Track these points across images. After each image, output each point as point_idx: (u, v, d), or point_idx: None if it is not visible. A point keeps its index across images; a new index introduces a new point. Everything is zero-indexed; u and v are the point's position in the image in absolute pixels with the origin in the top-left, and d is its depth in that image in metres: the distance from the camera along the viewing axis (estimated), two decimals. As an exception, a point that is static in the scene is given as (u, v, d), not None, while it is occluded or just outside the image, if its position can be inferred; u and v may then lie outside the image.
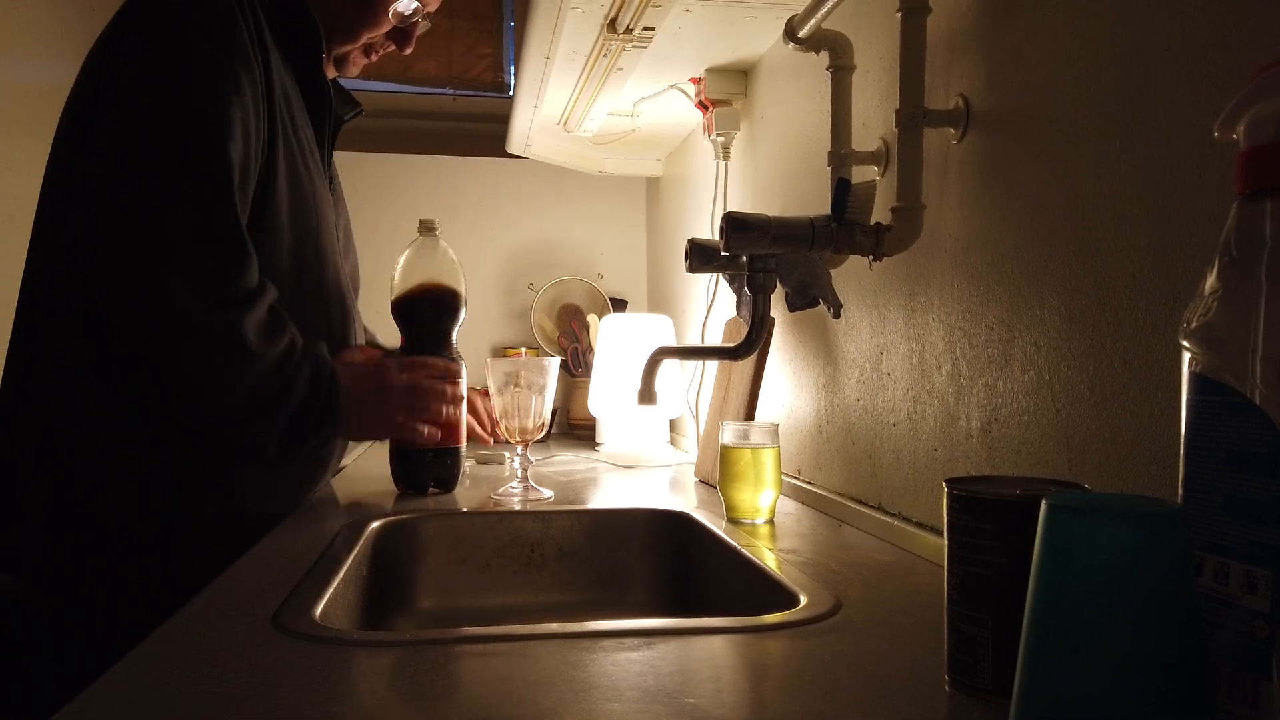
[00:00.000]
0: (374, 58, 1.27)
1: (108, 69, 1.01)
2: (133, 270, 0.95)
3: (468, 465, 1.68)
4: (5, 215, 1.76)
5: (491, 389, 1.33)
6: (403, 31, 1.25)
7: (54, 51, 1.93)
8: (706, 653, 0.66)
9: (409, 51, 1.28)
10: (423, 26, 1.27)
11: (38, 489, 1.00)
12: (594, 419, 2.01)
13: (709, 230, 1.68)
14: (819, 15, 1.02)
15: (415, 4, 1.21)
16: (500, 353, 2.35)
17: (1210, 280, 0.43)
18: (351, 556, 0.95)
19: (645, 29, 1.34)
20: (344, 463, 1.55)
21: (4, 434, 1.04)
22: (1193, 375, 0.44)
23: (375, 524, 1.11)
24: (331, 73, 1.25)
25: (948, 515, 0.56)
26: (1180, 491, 0.45)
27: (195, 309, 0.96)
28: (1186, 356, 0.45)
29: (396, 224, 2.17)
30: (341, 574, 0.87)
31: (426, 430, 1.20)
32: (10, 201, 1.77)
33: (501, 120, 2.03)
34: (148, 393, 1.02)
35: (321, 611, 0.75)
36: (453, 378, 1.24)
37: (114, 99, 0.98)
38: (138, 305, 0.95)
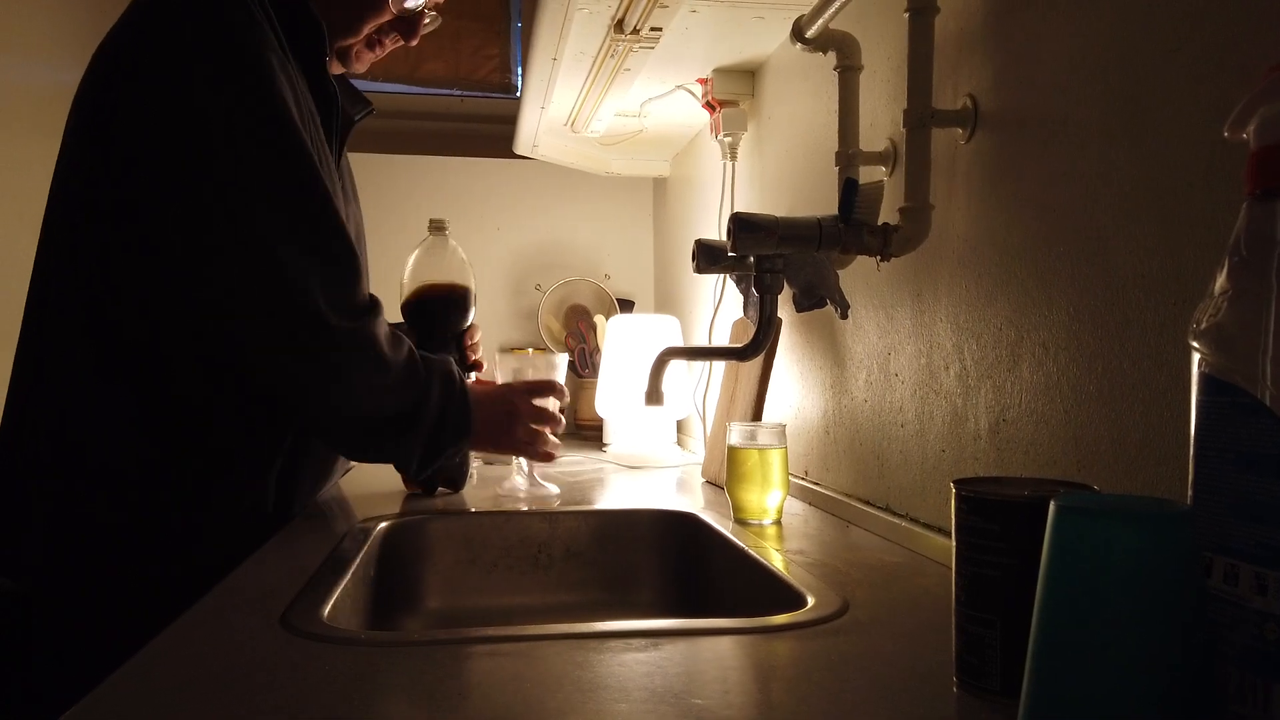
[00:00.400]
0: (379, 52, 1.24)
1: (140, 77, 0.98)
2: (268, 296, 0.97)
3: (475, 465, 1.68)
4: (14, 214, 1.77)
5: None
6: (408, 22, 1.21)
7: (64, 52, 1.94)
8: (714, 653, 0.66)
9: (415, 43, 1.24)
10: (431, 22, 1.24)
11: (40, 489, 1.00)
12: (601, 419, 2.02)
13: (716, 231, 1.68)
14: (826, 15, 1.02)
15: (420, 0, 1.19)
16: (508, 353, 2.35)
17: (1220, 280, 0.43)
18: (359, 557, 0.95)
19: (652, 29, 1.34)
20: (351, 464, 1.55)
21: (12, 432, 1.04)
22: (1202, 376, 0.44)
23: (383, 524, 1.11)
24: (338, 69, 1.23)
25: (956, 516, 0.56)
26: (1190, 493, 0.45)
27: (338, 323, 0.99)
28: (1196, 357, 0.44)
29: (403, 225, 2.17)
30: (350, 574, 0.88)
31: (546, 449, 1.26)
32: (20, 201, 1.78)
33: (508, 121, 2.03)
34: (162, 392, 1.01)
35: (330, 611, 0.75)
36: (562, 395, 1.30)
37: (174, 114, 0.96)
38: (282, 331, 0.98)
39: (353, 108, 1.28)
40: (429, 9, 1.22)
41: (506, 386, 1.27)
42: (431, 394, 1.08)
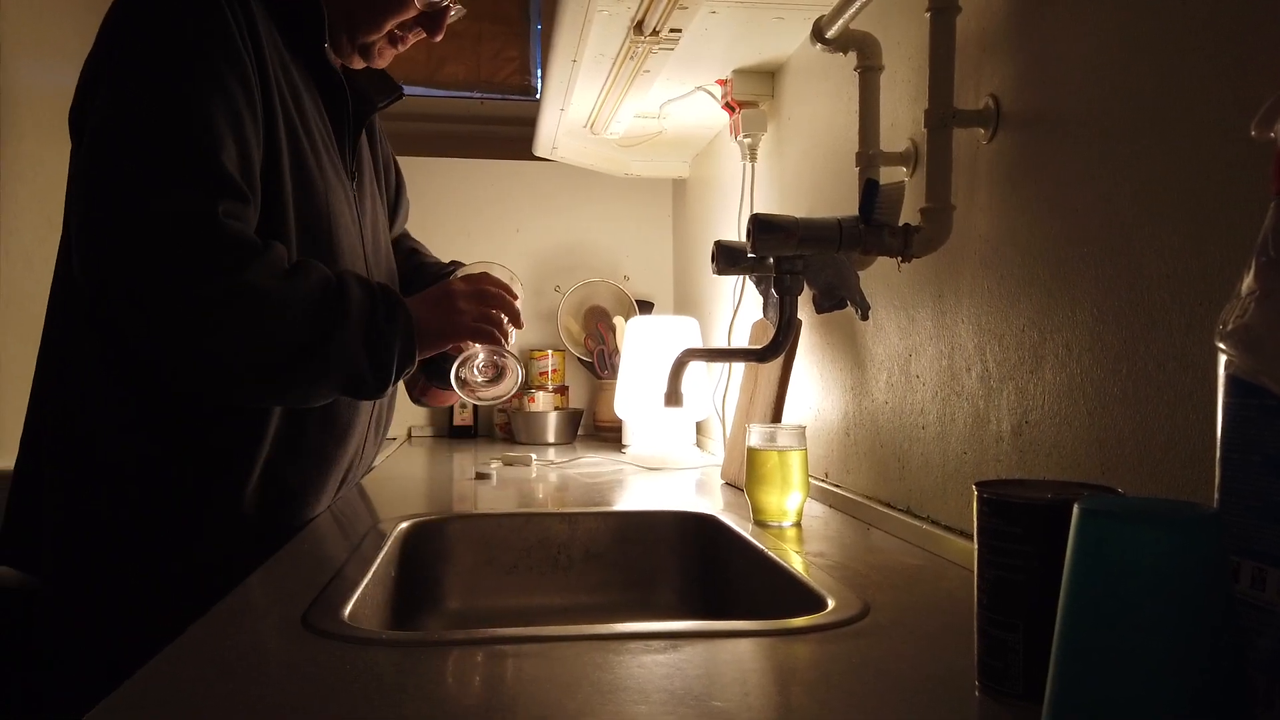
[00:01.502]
0: (401, 47, 1.21)
1: (94, 74, 1.00)
2: (131, 275, 0.93)
3: (494, 466, 1.69)
4: (44, 219, 1.79)
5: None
6: (432, 17, 1.18)
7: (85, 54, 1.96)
8: (733, 656, 0.66)
9: (439, 38, 1.21)
10: (456, 13, 1.21)
11: (52, 484, 1.01)
12: (620, 421, 2.02)
13: (736, 232, 1.67)
14: (847, 16, 1.01)
15: None
16: (526, 355, 2.36)
17: (1247, 281, 0.43)
18: (380, 557, 0.95)
19: (672, 31, 1.34)
20: (375, 463, 1.56)
21: (32, 427, 1.06)
22: (1229, 378, 0.44)
23: (403, 525, 1.11)
24: (359, 64, 1.22)
25: (978, 519, 0.56)
26: (1216, 496, 0.45)
27: (197, 289, 0.93)
28: (1223, 359, 0.44)
29: (421, 226, 2.18)
30: (370, 574, 0.88)
31: (496, 331, 1.16)
32: (50, 205, 1.80)
33: (528, 123, 2.03)
34: (163, 388, 1.01)
35: (350, 611, 0.76)
36: (510, 293, 1.21)
37: (97, 106, 0.97)
38: (144, 313, 0.94)
39: (379, 94, 1.27)
40: (454, 3, 1.19)
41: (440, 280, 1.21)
42: (350, 297, 1.00)
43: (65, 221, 1.05)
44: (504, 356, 1.21)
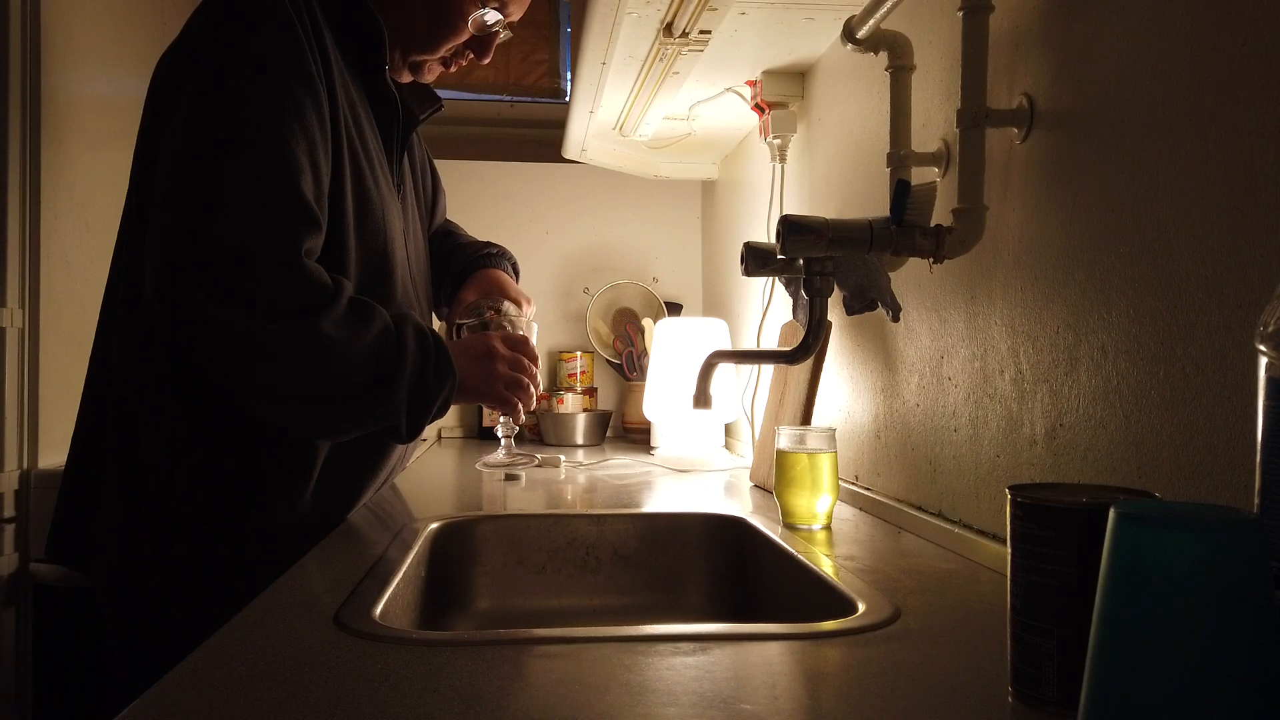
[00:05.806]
0: (453, 68, 1.25)
1: (173, 88, 1.01)
2: (207, 301, 0.94)
3: (523, 470, 1.69)
4: (82, 224, 1.82)
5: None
6: (482, 41, 1.22)
7: (135, 64, 1.99)
8: (763, 659, 0.66)
9: (487, 60, 1.24)
10: (503, 36, 1.24)
11: (116, 489, 1.03)
12: (649, 423, 2.02)
13: (765, 234, 1.67)
14: (878, 15, 1.01)
15: (498, 15, 1.19)
16: (556, 357, 2.36)
17: (1289, 282, 0.42)
18: (410, 557, 0.96)
19: (701, 33, 1.34)
20: (407, 462, 1.57)
21: (89, 434, 1.07)
22: (1270, 380, 0.43)
23: (434, 525, 1.12)
24: (407, 78, 1.24)
25: (1011, 523, 0.55)
26: (1257, 501, 0.44)
27: (271, 326, 0.95)
28: (1263, 361, 0.43)
29: (455, 229, 2.19)
30: (401, 574, 0.89)
31: (520, 406, 1.24)
32: (88, 209, 1.83)
33: (558, 126, 2.04)
34: (220, 399, 1.03)
35: (381, 611, 0.76)
36: (534, 356, 1.27)
37: (175, 126, 0.98)
38: (213, 336, 0.96)
39: (420, 106, 1.29)
40: (504, 28, 1.22)
41: (483, 334, 1.26)
42: (407, 351, 1.03)
43: (121, 233, 1.07)
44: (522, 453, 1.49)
